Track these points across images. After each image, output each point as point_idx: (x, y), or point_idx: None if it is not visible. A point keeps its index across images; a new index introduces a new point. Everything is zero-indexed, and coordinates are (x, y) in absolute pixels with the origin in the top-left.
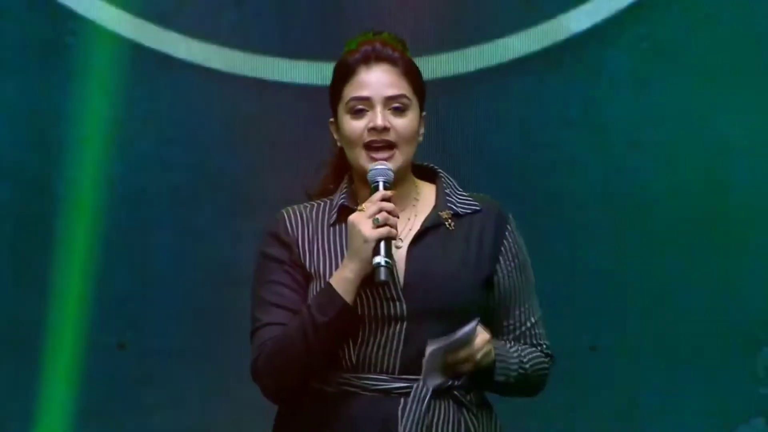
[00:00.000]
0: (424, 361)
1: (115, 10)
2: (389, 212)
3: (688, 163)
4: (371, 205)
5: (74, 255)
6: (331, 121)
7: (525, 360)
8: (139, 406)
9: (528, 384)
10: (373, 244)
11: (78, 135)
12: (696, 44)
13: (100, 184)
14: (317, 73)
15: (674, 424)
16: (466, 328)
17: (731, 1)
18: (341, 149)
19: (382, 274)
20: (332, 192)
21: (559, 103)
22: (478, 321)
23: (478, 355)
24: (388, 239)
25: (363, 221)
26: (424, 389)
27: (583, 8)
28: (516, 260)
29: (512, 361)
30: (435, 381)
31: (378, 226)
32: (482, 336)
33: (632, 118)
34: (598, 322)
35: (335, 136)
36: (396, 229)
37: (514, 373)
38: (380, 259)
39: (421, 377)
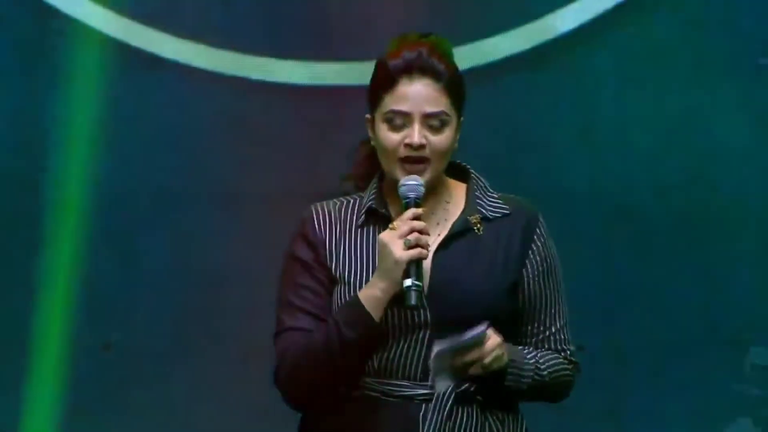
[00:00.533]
0: (431, 361)
1: (102, 10)
2: (420, 231)
3: (676, 164)
4: (402, 224)
5: (61, 256)
6: (368, 118)
7: (543, 367)
8: (126, 407)
9: (546, 391)
10: (404, 266)
11: (65, 135)
12: (683, 45)
13: (87, 185)
14: (305, 72)
15: (661, 423)
16: (475, 331)
17: (718, 1)
18: (374, 147)
19: (413, 299)
20: (362, 187)
21: (546, 103)
22: (489, 324)
23: (488, 359)
24: (419, 260)
25: (394, 241)
26: (446, 396)
27: (571, 8)
28: (544, 264)
29: (527, 367)
30: (445, 383)
31: (409, 247)
32: (494, 339)
33: (619, 118)
34: (585, 322)
35: (370, 134)
36: (426, 248)
37: (528, 380)
38: (410, 282)
39: (430, 379)
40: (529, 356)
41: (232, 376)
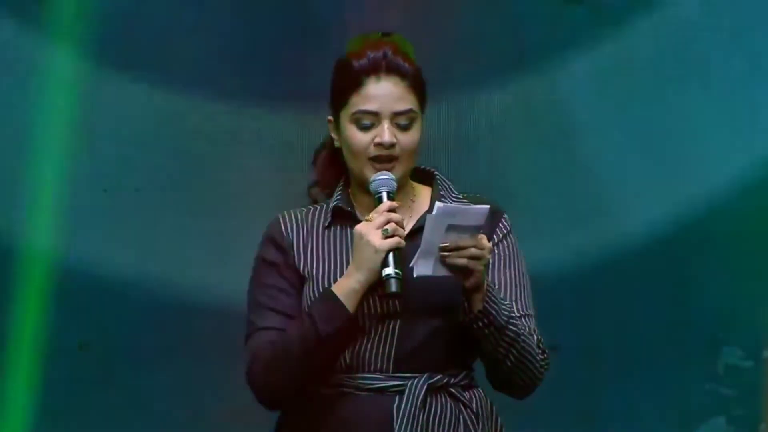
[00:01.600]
0: (428, 219)
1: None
2: (396, 223)
3: (649, 163)
4: (378, 215)
5: (35, 254)
6: (330, 120)
7: (517, 323)
8: (101, 408)
9: (514, 357)
10: (383, 255)
11: (38, 137)
12: (658, 51)
13: (61, 184)
14: None
15: (635, 423)
16: (480, 207)
17: (694, 7)
18: (338, 149)
19: (393, 286)
20: (329, 194)
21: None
22: (490, 209)
23: (479, 251)
24: (398, 250)
25: (371, 232)
26: (419, 387)
27: None
28: (505, 253)
29: (504, 304)
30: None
31: (387, 237)
32: (487, 242)
33: (593, 119)
34: (559, 323)
35: (333, 135)
36: (403, 239)
37: (504, 315)
38: (391, 271)
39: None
40: (505, 302)
41: (208, 377)
